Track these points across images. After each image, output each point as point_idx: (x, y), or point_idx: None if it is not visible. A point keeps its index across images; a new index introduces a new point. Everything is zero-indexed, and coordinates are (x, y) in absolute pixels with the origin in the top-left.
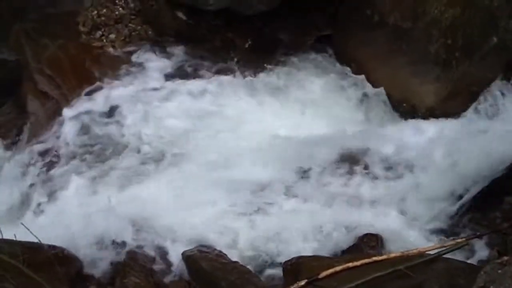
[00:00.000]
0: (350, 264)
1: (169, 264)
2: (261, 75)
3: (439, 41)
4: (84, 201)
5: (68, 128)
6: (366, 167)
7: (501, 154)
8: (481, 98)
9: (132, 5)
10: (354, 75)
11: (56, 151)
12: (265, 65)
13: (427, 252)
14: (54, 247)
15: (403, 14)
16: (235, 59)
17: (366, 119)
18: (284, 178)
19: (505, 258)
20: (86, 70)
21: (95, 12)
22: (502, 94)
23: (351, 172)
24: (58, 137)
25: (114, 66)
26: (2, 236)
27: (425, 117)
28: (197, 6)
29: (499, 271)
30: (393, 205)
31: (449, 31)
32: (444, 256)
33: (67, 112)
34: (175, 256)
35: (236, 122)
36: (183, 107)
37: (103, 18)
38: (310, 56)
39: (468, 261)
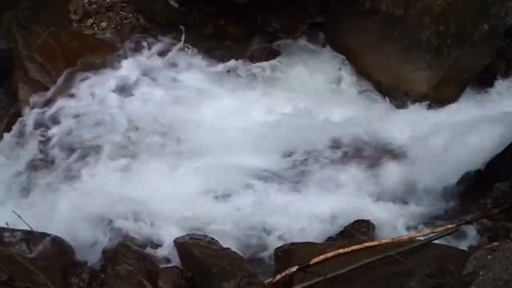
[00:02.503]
0: (341, 250)
1: (161, 251)
2: (253, 63)
3: (431, 28)
4: (76, 189)
5: (59, 115)
6: (356, 154)
7: (491, 141)
8: (472, 84)
9: None
10: (346, 62)
11: (48, 138)
12: (258, 52)
13: (417, 238)
14: (46, 235)
15: (395, 1)
16: (227, 47)
17: (359, 106)
18: (276, 165)
19: (495, 243)
20: (77, 58)
21: (87, 0)
22: (494, 80)
23: (341, 159)
24: (49, 125)
25: (105, 54)
26: None
27: (417, 104)
28: None
29: (489, 256)
30: (384, 191)
31: (441, 18)
32: (435, 242)
33: (58, 100)
34: (167, 243)
35: (226, 109)
36: (173, 95)
37: (94, 6)
38: (303, 43)
39: (459, 247)
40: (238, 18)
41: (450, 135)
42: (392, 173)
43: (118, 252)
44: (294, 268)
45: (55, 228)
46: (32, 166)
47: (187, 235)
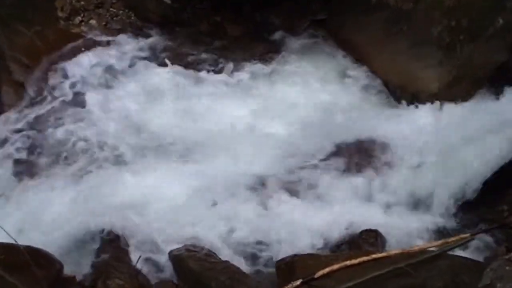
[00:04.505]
0: (348, 262)
1: (155, 264)
2: (252, 62)
3: (442, 23)
4: (62, 198)
5: (45, 120)
6: (363, 158)
7: (507, 143)
8: (487, 83)
9: None
10: (351, 61)
11: (32, 144)
12: (256, 51)
13: (429, 249)
14: (31, 248)
15: None
16: (224, 45)
17: (364, 107)
18: (278, 171)
19: None
20: (64, 58)
21: None
22: (510, 78)
23: (347, 164)
24: (34, 129)
25: (94, 54)
26: None
27: (427, 104)
28: None
29: (507, 267)
30: (393, 198)
31: (452, 12)
32: (448, 252)
33: (41, 102)
34: (161, 255)
35: (224, 112)
36: (169, 97)
37: (82, 3)
38: (304, 41)
39: (474, 258)
40: (234, 15)
41: (464, 138)
42: (401, 179)
43: (109, 265)
44: (298, 282)
45: (41, 240)
46: (16, 174)
47: (183, 246)
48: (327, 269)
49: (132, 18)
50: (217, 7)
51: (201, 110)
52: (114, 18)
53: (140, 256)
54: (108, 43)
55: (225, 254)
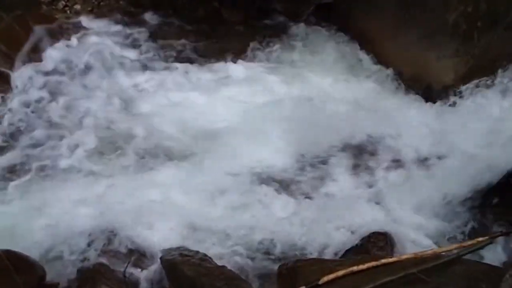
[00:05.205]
0: (355, 268)
1: (146, 270)
2: (252, 51)
3: (458, 9)
4: (45, 199)
5: (23, 114)
6: (374, 156)
7: None
8: (506, 74)
9: None
10: (359, 49)
11: (11, 142)
12: (255, 39)
13: (444, 253)
14: (11, 252)
15: None
16: (221, 32)
17: (373, 100)
18: (280, 168)
19: None
20: (46, 45)
21: None
22: None
23: (357, 162)
24: (12, 126)
25: (78, 41)
26: None
27: (442, 97)
28: None
29: None
30: (405, 199)
31: None
32: (464, 257)
33: (23, 95)
34: (152, 260)
35: (221, 107)
36: (161, 90)
37: None
38: (308, 28)
39: (492, 263)
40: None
41: (481, 134)
42: (414, 178)
43: (96, 271)
44: None
45: (21, 244)
46: None
47: (176, 251)
48: (332, 275)
49: (121, 2)
50: None
51: (195, 104)
52: (101, 3)
53: (129, 262)
54: (93, 30)
55: (222, 258)
